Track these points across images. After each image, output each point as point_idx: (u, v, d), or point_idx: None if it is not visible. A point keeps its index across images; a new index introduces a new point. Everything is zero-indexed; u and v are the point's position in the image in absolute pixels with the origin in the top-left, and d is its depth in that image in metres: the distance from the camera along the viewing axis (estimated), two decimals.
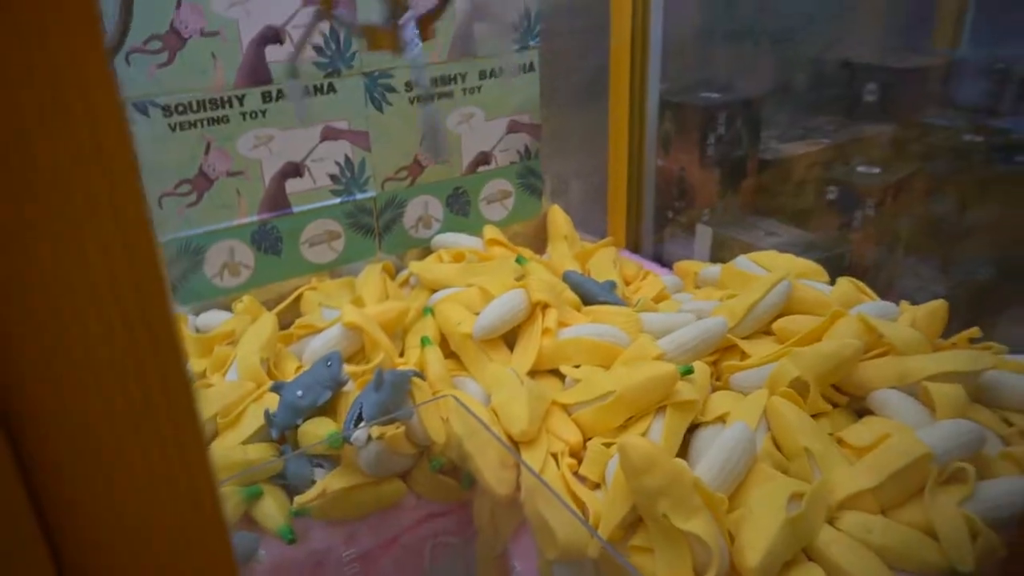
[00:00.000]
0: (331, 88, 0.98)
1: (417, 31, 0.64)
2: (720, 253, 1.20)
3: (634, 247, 1.33)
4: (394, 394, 0.73)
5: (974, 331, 0.86)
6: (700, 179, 1.27)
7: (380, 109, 1.02)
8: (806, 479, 0.71)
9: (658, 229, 1.35)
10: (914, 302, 0.90)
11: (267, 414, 0.73)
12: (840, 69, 1.50)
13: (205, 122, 0.92)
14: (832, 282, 0.96)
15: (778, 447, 0.75)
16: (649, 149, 1.27)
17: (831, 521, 0.68)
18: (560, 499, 0.63)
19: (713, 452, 0.70)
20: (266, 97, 0.94)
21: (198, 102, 0.90)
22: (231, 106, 0.93)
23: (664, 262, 1.25)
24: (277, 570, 0.68)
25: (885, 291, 0.95)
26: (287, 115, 0.96)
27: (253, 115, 0.94)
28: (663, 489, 0.60)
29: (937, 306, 0.86)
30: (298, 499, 0.69)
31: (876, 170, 1.21)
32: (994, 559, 0.68)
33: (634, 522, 0.65)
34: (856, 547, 0.65)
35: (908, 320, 0.86)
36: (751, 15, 1.47)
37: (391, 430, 0.71)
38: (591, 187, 1.36)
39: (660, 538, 0.62)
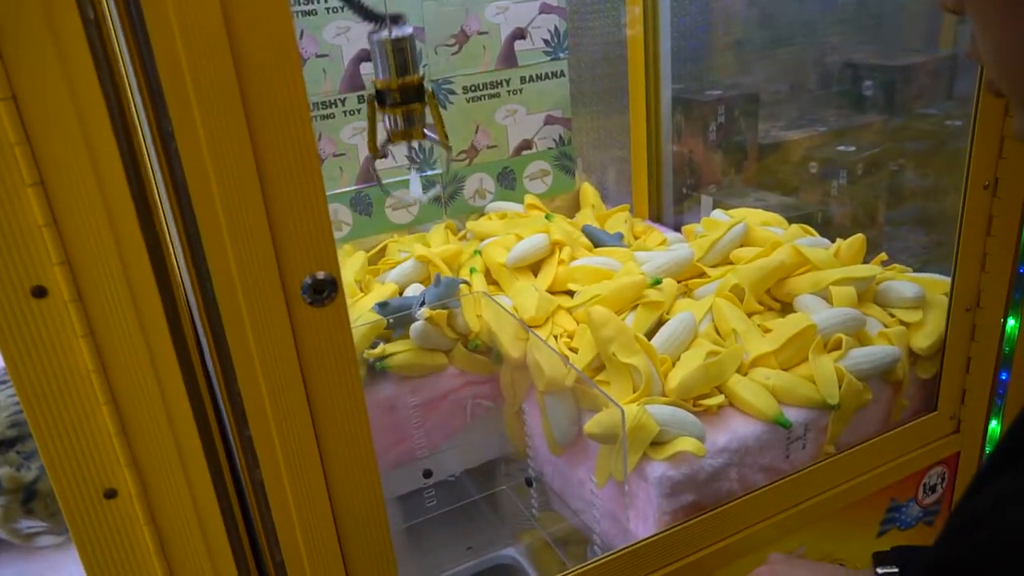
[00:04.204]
0: None
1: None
2: None
3: (656, 218, 1.62)
4: (446, 290, 1.06)
5: (882, 256, 1.12)
6: (705, 160, 1.55)
7: (444, 107, 1.37)
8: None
9: (678, 202, 1.63)
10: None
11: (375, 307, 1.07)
12: (843, 69, 1.76)
13: (318, 118, 1.28)
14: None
15: (718, 332, 1.04)
16: (665, 138, 1.57)
17: (745, 374, 0.96)
18: (546, 343, 0.94)
19: (664, 329, 1.00)
20: (360, 100, 1.30)
21: (312, 103, 1.27)
22: (336, 106, 1.29)
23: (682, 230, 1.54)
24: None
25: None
26: None
27: (351, 112, 1.30)
28: (613, 337, 0.91)
29: (856, 239, 1.12)
30: (367, 352, 1.02)
31: (851, 148, 1.47)
32: (860, 402, 0.95)
33: (598, 367, 0.96)
34: (755, 386, 0.93)
35: (834, 250, 1.12)
36: (754, 25, 1.75)
37: (438, 313, 1.04)
38: (622, 171, 1.66)
39: (612, 371, 0.92)
